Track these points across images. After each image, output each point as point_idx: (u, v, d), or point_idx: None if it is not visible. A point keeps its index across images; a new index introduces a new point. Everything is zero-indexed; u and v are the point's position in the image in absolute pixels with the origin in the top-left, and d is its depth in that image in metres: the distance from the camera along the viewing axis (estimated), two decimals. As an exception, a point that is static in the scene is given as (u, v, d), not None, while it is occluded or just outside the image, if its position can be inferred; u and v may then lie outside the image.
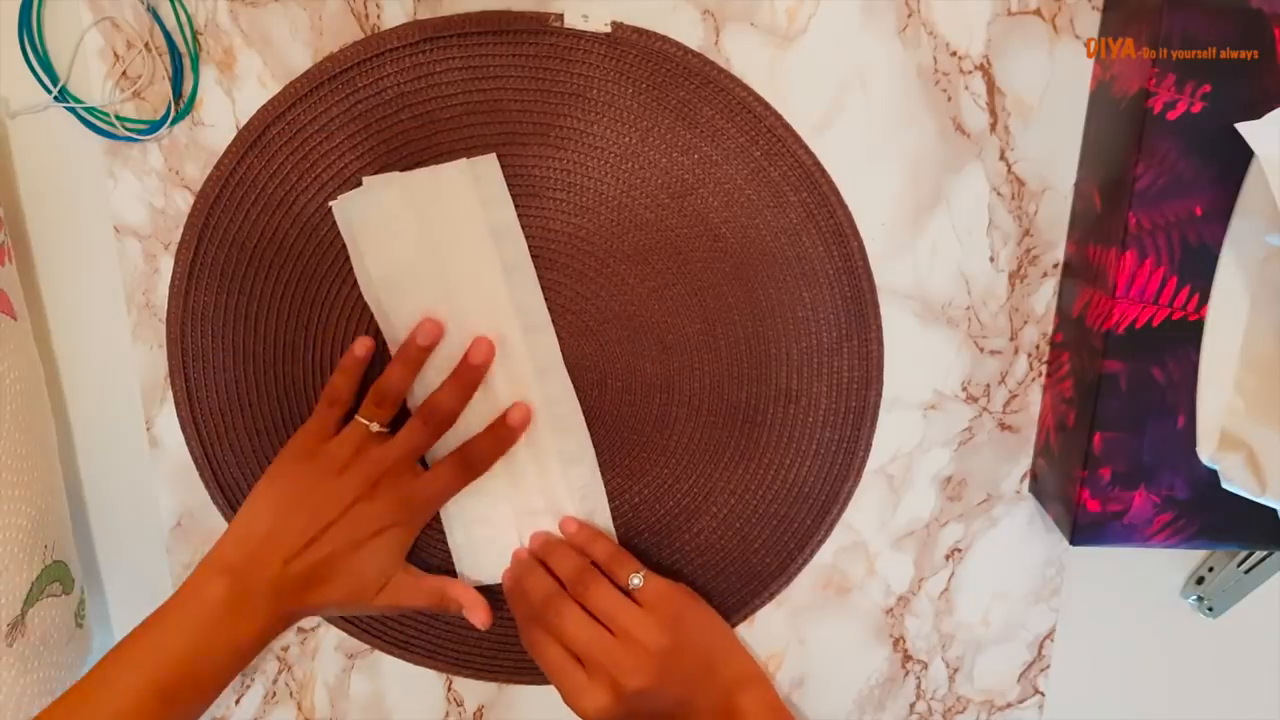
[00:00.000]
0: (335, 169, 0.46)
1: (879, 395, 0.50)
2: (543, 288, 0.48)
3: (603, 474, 0.51)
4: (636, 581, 0.48)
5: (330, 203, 0.46)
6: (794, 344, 0.49)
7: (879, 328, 0.49)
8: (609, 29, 0.44)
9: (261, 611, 0.44)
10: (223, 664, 0.44)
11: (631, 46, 0.45)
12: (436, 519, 0.51)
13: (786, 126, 0.46)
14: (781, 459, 0.50)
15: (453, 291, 0.47)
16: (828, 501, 0.51)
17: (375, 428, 0.47)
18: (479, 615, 0.49)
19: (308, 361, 0.49)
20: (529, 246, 0.47)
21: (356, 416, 0.47)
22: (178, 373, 0.49)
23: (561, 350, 0.49)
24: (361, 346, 0.48)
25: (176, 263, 0.47)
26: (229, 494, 0.51)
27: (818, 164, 0.46)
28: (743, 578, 0.52)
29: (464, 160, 0.46)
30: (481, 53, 0.45)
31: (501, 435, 0.48)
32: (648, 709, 0.46)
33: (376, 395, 0.47)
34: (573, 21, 0.44)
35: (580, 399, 0.49)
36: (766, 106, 0.46)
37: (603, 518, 0.51)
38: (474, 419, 0.48)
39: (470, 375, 0.47)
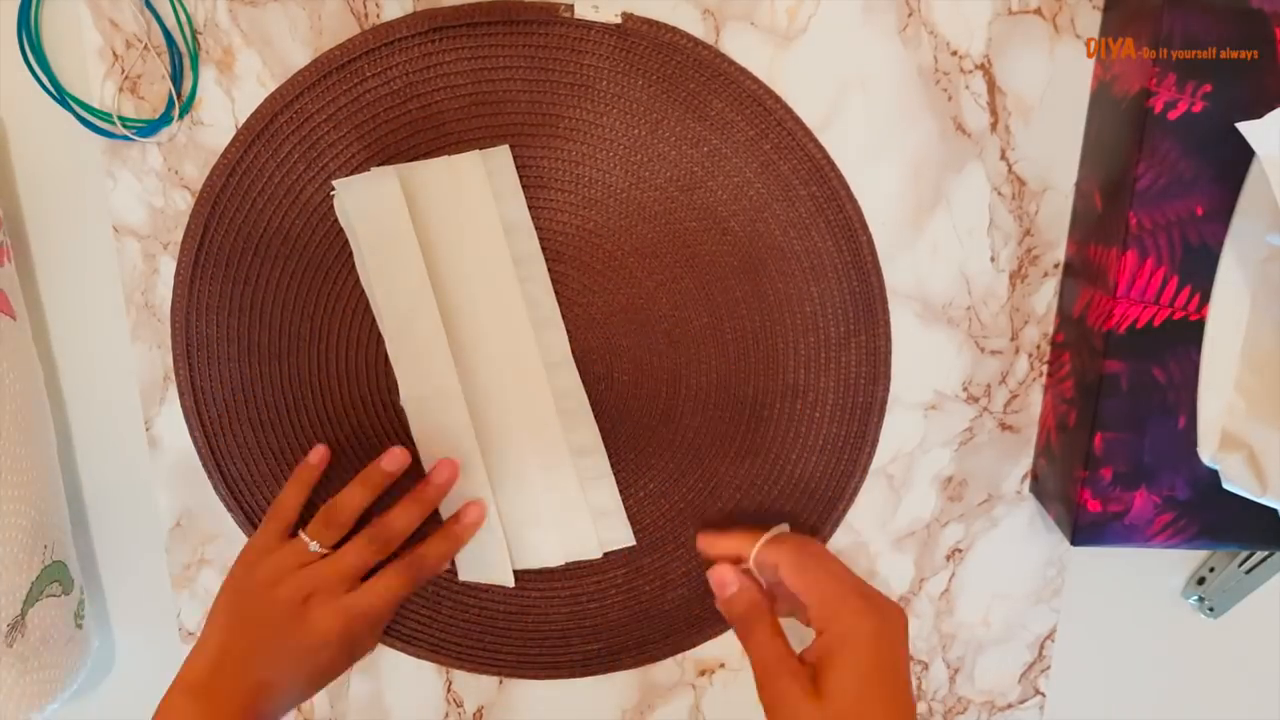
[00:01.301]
0: (342, 159, 0.46)
1: (886, 391, 0.49)
2: (550, 281, 0.48)
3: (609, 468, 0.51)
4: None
5: (333, 180, 0.46)
6: (801, 338, 0.49)
7: (887, 323, 0.48)
8: (620, 20, 0.44)
9: None
10: None
11: (642, 38, 0.45)
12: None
13: (796, 120, 0.46)
14: (788, 454, 0.50)
15: (463, 284, 0.47)
16: (834, 497, 0.51)
17: (315, 547, 0.45)
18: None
19: (313, 352, 0.49)
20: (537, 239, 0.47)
21: (301, 531, 0.46)
22: (181, 363, 0.49)
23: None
24: (316, 455, 0.48)
25: (182, 252, 0.47)
26: (233, 487, 0.50)
27: (827, 158, 0.46)
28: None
29: (476, 152, 0.46)
30: (490, 43, 0.45)
31: (455, 534, 0.48)
32: None
33: (327, 515, 0.46)
34: (583, 12, 0.44)
35: (587, 392, 0.49)
36: (777, 99, 0.45)
37: (615, 510, 0.51)
38: (483, 415, 0.48)
39: (430, 495, 0.48)
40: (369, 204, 0.46)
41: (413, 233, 0.46)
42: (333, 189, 0.46)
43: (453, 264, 0.47)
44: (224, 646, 0.44)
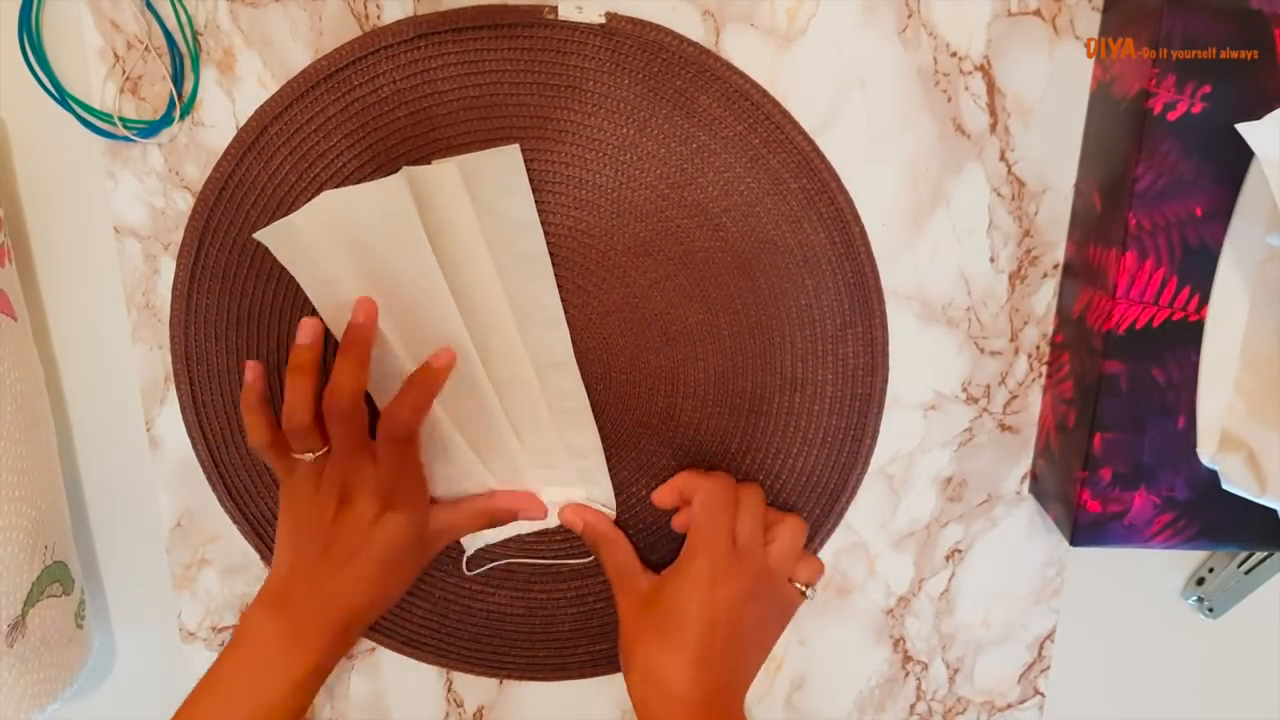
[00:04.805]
0: (334, 169, 0.46)
1: (885, 382, 0.49)
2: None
3: (610, 467, 0.51)
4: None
5: (255, 234, 0.44)
6: (798, 332, 0.49)
7: (883, 314, 0.48)
8: (603, 20, 0.44)
9: (313, 637, 0.45)
10: (286, 701, 0.44)
11: (627, 37, 0.44)
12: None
13: (785, 114, 0.46)
14: (789, 448, 0.50)
15: (468, 286, 0.46)
16: (836, 490, 0.51)
17: (310, 458, 0.45)
18: (537, 512, 0.50)
19: None
20: None
21: (291, 454, 0.46)
22: (182, 377, 0.49)
23: None
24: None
25: (178, 267, 0.47)
26: (237, 498, 0.50)
27: (817, 150, 0.46)
28: None
29: (487, 151, 0.45)
30: (476, 47, 0.45)
31: (426, 380, 0.45)
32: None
33: (289, 426, 0.45)
34: (567, 13, 0.44)
35: (585, 393, 0.49)
36: (764, 94, 0.45)
37: (609, 510, 0.51)
38: (482, 420, 0.48)
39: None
40: (289, 252, 0.44)
41: (333, 273, 0.44)
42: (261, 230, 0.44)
43: (455, 265, 0.46)
44: (292, 563, 0.46)
